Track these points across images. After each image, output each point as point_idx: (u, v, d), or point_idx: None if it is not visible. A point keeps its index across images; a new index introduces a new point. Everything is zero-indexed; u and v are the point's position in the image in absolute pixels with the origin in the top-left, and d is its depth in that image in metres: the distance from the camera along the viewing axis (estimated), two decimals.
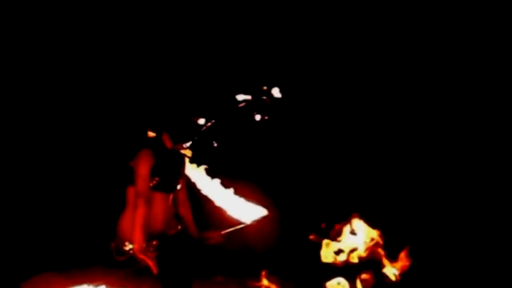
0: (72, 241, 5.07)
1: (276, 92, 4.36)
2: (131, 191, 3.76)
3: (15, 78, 5.17)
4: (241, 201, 5.34)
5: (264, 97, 4.33)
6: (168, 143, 3.87)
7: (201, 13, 5.87)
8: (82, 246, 4.94)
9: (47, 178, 5.30)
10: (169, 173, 3.84)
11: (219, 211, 5.16)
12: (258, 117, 4.39)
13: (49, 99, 5.33)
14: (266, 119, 4.35)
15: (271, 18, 6.21)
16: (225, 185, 5.10)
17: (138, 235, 3.62)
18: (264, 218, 5.29)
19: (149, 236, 3.74)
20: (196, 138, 4.10)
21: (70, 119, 5.42)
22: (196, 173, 4.85)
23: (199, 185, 5.02)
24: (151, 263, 3.62)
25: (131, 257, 3.74)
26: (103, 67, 5.49)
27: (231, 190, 5.08)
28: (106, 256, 3.86)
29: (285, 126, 6.05)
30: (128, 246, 3.76)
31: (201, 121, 4.72)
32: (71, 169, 5.41)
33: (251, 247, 5.39)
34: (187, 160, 4.59)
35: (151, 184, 3.73)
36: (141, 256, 3.60)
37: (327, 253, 5.02)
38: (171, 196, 3.91)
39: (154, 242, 3.74)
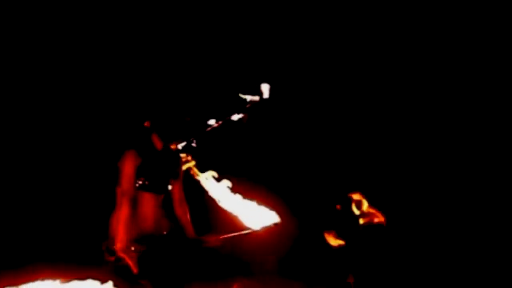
0: (64, 241, 5.11)
1: (265, 91, 4.27)
2: (119, 191, 3.76)
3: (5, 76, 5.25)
4: (252, 206, 5.31)
5: (256, 97, 4.26)
6: (158, 144, 3.86)
7: (190, 13, 5.87)
8: (75, 246, 4.95)
9: (39, 178, 5.35)
10: (158, 174, 3.82)
11: (227, 215, 5.16)
12: (236, 117, 4.34)
13: (39, 99, 5.40)
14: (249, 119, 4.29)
15: (264, 17, 6.22)
16: (236, 188, 5.10)
17: (121, 233, 3.61)
18: (275, 225, 5.22)
19: (140, 236, 3.73)
20: (192, 138, 4.07)
21: (60, 119, 5.47)
22: (205, 176, 4.86)
23: (207, 188, 5.02)
24: (131, 263, 3.59)
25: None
26: (93, 66, 5.52)
27: (242, 194, 5.06)
28: (98, 256, 3.85)
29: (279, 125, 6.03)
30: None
31: (211, 121, 4.72)
32: (62, 169, 5.45)
33: (261, 253, 5.29)
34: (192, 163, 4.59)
35: (137, 184, 3.71)
36: (122, 255, 3.59)
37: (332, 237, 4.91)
38: (161, 197, 3.87)
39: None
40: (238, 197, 5.10)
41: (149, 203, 3.78)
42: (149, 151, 3.81)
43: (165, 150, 3.88)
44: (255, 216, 5.21)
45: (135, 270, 3.59)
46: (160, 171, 3.83)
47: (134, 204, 3.76)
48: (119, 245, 3.59)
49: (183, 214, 4.03)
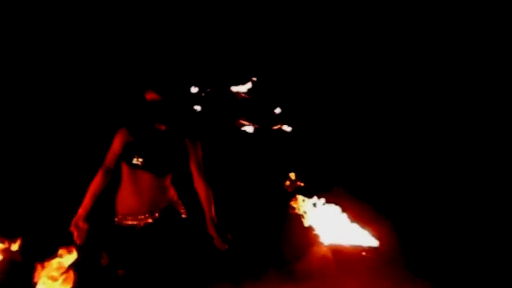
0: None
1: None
2: (124, 167, 3.66)
3: None
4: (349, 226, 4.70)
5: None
6: (162, 125, 3.62)
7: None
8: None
9: (39, 164, 5.33)
10: (154, 154, 3.61)
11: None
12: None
13: (35, 89, 5.41)
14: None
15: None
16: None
17: (85, 202, 3.52)
18: (367, 249, 4.53)
19: (127, 213, 3.61)
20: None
21: (60, 107, 5.42)
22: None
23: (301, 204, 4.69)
24: (75, 232, 3.41)
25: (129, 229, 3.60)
26: (89, 57, 5.37)
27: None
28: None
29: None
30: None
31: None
32: (61, 157, 5.35)
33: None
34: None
35: (133, 162, 3.59)
36: (73, 222, 3.44)
37: None
38: (160, 177, 3.62)
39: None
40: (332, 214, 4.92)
41: (144, 182, 3.60)
42: (145, 131, 3.64)
43: (168, 132, 3.65)
44: (342, 234, 4.68)
45: (78, 241, 3.41)
46: (157, 152, 3.62)
47: (133, 181, 3.62)
48: (79, 211, 3.48)
49: (202, 195, 3.71)
